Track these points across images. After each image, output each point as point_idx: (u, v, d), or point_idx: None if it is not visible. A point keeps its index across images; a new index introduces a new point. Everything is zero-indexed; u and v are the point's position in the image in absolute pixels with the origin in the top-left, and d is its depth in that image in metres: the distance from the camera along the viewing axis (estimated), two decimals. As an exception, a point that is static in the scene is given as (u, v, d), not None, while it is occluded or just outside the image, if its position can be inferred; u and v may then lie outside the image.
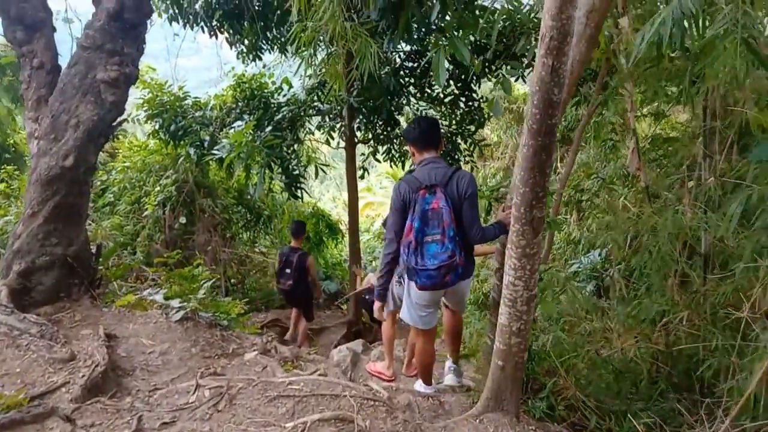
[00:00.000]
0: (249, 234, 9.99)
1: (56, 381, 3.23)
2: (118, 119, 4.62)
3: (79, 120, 4.27)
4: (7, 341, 3.50)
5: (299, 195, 7.72)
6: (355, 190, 8.15)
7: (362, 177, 8.29)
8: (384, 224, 4.05)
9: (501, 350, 2.67)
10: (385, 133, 7.96)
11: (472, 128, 7.68)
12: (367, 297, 6.90)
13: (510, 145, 14.46)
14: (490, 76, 6.87)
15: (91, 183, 4.91)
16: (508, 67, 5.69)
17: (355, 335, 8.69)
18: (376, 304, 3.65)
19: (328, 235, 10.10)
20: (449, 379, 4.24)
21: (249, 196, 9.26)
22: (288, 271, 6.71)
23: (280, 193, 8.94)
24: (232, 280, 8.58)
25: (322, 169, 7.76)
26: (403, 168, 8.22)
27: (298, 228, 7.13)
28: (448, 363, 4.28)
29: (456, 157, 7.76)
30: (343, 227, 10.54)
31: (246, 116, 7.73)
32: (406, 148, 7.98)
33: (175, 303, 4.28)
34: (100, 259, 5.01)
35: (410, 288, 3.31)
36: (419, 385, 3.91)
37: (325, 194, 20.63)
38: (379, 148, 8.17)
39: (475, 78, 7.11)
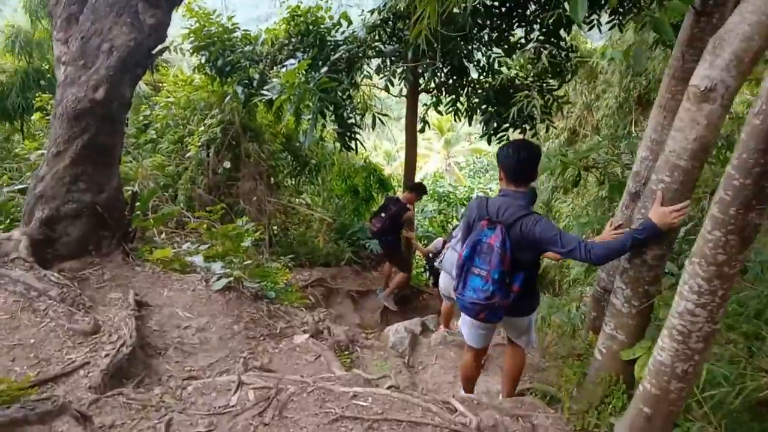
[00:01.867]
0: (294, 182, 9.37)
1: (74, 360, 2.70)
2: (159, 47, 3.93)
3: (112, 45, 3.60)
4: (23, 303, 2.98)
5: (353, 146, 6.99)
6: (415, 145, 7.36)
7: (422, 130, 7.47)
8: None
9: (652, 395, 1.98)
10: (450, 81, 7.07)
11: (554, 83, 6.71)
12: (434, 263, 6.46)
13: (578, 103, 13.27)
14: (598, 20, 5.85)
15: (126, 120, 4.30)
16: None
17: (402, 300, 8.15)
18: None
19: (379, 191, 9.41)
20: None
21: (297, 144, 8.59)
22: (383, 215, 6.64)
23: (333, 142, 8.23)
24: (276, 233, 8.04)
25: (380, 119, 6.96)
26: (469, 123, 7.34)
27: (417, 187, 6.94)
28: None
29: (532, 114, 6.84)
30: (396, 183, 9.85)
31: (299, 54, 6.94)
32: (475, 100, 7.15)
33: (217, 268, 3.69)
34: (136, 206, 4.46)
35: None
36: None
37: (378, 145, 19.90)
38: (442, 98, 7.31)
39: (564, 22, 6.10)
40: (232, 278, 3.50)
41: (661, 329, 2.63)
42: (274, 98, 6.07)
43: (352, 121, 6.79)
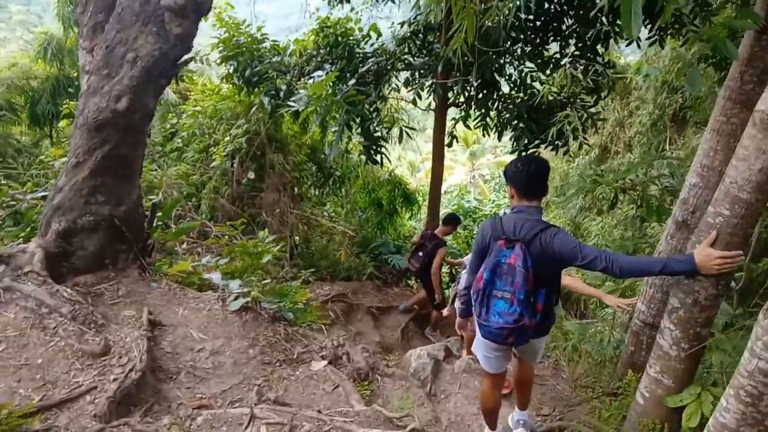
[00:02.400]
0: (317, 193, 9.26)
1: (81, 383, 2.57)
2: (184, 57, 3.84)
3: (137, 54, 3.51)
4: (34, 320, 2.88)
5: (378, 160, 6.85)
6: (442, 160, 7.18)
7: (449, 144, 7.28)
8: None
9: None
10: (481, 95, 6.89)
11: (590, 99, 6.47)
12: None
13: (610, 119, 12.93)
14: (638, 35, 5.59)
15: (149, 131, 4.22)
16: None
17: (423, 318, 7.93)
18: (458, 320, 3.15)
19: (403, 205, 9.24)
20: None
21: (322, 155, 8.49)
22: (420, 254, 6.51)
23: (358, 155, 8.11)
24: (299, 245, 7.91)
25: (407, 133, 6.80)
26: (499, 138, 7.13)
27: (451, 219, 6.72)
28: (516, 415, 3.45)
29: (564, 132, 6.61)
30: (420, 197, 9.65)
31: (327, 66, 6.86)
32: (506, 115, 6.94)
33: (235, 286, 3.55)
34: (157, 216, 4.36)
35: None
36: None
37: (402, 156, 19.78)
38: (471, 113, 7.13)
39: (602, 37, 5.88)
40: (249, 299, 3.35)
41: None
42: (300, 110, 6.00)
43: (379, 134, 6.66)
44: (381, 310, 7.47)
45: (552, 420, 3.67)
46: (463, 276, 4.60)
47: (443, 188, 13.76)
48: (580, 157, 13.36)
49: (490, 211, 11.61)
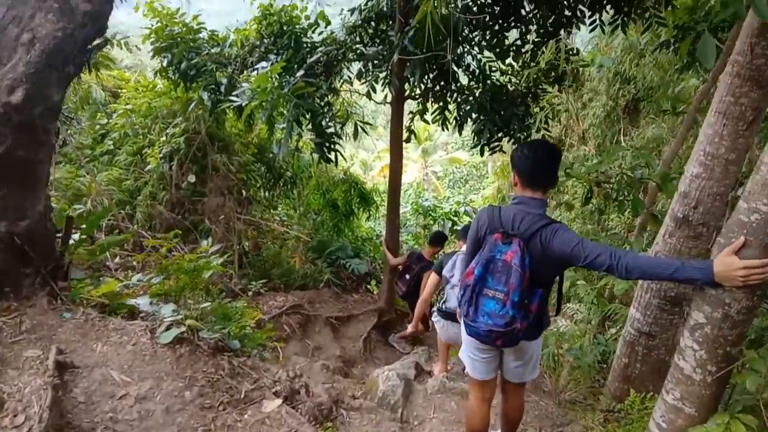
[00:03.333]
0: (267, 195, 8.62)
1: (-44, 459, 1.96)
2: (97, 40, 3.22)
3: (34, 35, 2.88)
4: None
5: (332, 158, 6.33)
6: (400, 156, 6.71)
7: (407, 140, 6.84)
8: None
9: None
10: (438, 87, 6.48)
11: (551, 89, 6.17)
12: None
13: (564, 112, 12.82)
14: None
15: (56, 130, 3.57)
16: None
17: (385, 326, 7.46)
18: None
19: (360, 206, 8.73)
20: None
21: (271, 155, 7.88)
22: (407, 276, 6.34)
23: (310, 153, 7.56)
24: (248, 253, 7.28)
25: (363, 128, 6.30)
26: (459, 132, 6.72)
27: (437, 238, 6.43)
28: None
29: (527, 123, 6.29)
30: (378, 197, 9.17)
31: (272, 56, 6.27)
32: (466, 107, 6.54)
33: (167, 312, 2.97)
34: (81, 229, 3.71)
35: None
36: None
37: (353, 154, 19.29)
38: (429, 106, 6.72)
39: (565, 22, 5.57)
40: (184, 328, 2.78)
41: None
42: (244, 105, 5.44)
43: (332, 130, 6.13)
44: (341, 320, 6.98)
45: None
46: (451, 294, 4.16)
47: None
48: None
49: (450, 208, 11.23)
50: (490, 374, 2.74)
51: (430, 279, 4.41)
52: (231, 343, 3.03)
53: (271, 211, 8.64)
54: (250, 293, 6.18)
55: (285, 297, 6.83)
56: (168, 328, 2.84)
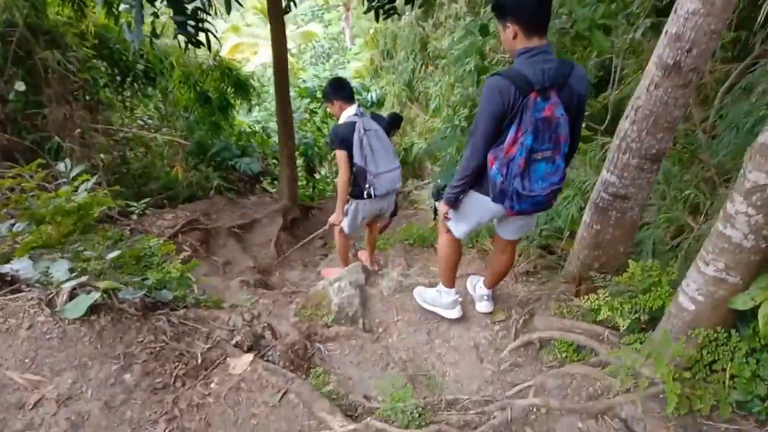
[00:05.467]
0: (119, 97, 7.17)
1: None
2: None
3: None
4: None
5: (202, 39, 5.24)
6: (283, 30, 5.74)
7: (287, 10, 5.84)
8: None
9: None
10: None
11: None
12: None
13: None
14: None
15: None
16: None
17: (293, 224, 6.95)
18: (444, 207, 2.76)
19: (237, 96, 7.60)
20: (484, 306, 3.33)
21: (116, 46, 6.40)
22: None
23: (173, 37, 6.24)
24: (113, 169, 6.08)
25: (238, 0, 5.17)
26: None
27: (394, 119, 5.99)
28: (481, 290, 3.32)
29: None
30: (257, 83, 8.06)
31: None
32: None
33: (60, 273, 2.18)
34: None
35: (477, 202, 2.59)
36: (440, 292, 3.24)
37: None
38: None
39: None
40: (97, 293, 2.05)
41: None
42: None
43: (197, 3, 4.98)
44: (243, 228, 6.33)
45: (517, 326, 3.15)
46: (377, 182, 3.68)
47: (251, 68, 12.01)
48: (407, 14, 12.51)
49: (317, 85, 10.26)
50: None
51: (343, 158, 3.78)
52: (160, 296, 2.36)
53: (129, 114, 7.25)
54: (133, 217, 5.23)
55: (174, 213, 5.93)
56: (72, 296, 2.08)
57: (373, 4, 5.59)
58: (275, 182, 7.81)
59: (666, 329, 2.14)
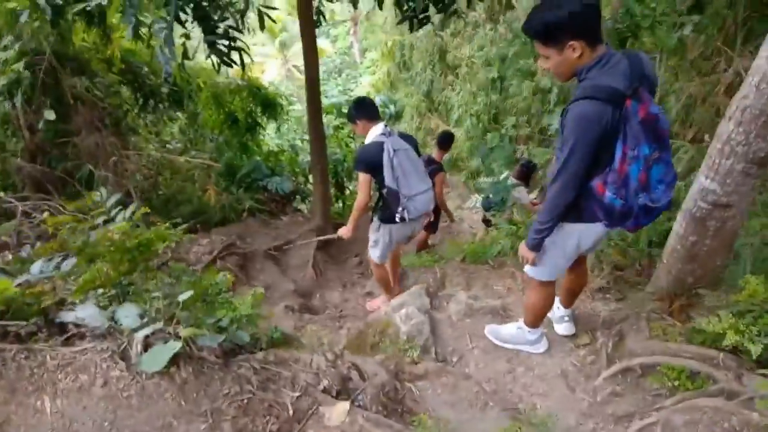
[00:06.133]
0: (145, 121, 7.04)
1: None
2: None
3: None
4: None
5: (233, 60, 5.10)
6: (315, 47, 5.59)
7: (318, 24, 5.70)
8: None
9: None
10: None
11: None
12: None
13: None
14: None
15: None
16: None
17: (328, 243, 6.73)
18: (529, 253, 2.48)
19: (264, 114, 7.45)
20: (565, 329, 3.12)
21: (142, 70, 6.28)
22: None
23: (206, 58, 6.13)
24: (147, 195, 5.92)
25: (268, 15, 5.01)
26: (380, 6, 5.63)
27: (445, 138, 5.89)
28: (563, 311, 3.11)
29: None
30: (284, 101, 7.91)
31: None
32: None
33: (130, 320, 1.97)
34: None
35: (575, 232, 2.36)
36: (522, 330, 3.00)
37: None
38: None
39: None
40: (179, 342, 1.84)
41: None
42: (94, 7, 4.07)
43: (229, 22, 4.85)
44: (279, 249, 6.12)
45: (607, 350, 2.89)
46: (410, 204, 3.48)
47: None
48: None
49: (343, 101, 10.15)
50: None
51: (365, 182, 3.51)
52: (237, 339, 2.14)
53: (156, 138, 7.12)
54: (171, 245, 5.04)
55: (209, 238, 5.75)
56: (147, 346, 1.88)
57: (407, 14, 5.42)
58: (306, 201, 7.63)
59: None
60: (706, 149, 2.70)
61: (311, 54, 5.56)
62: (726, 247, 2.78)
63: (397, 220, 3.51)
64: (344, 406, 1.90)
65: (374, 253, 3.85)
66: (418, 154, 3.82)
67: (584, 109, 1.97)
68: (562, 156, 2.08)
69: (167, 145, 6.82)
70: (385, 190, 3.46)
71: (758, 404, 1.97)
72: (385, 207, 3.57)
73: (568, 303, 3.09)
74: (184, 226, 4.90)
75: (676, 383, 2.42)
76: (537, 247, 2.41)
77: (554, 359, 2.95)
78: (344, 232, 3.85)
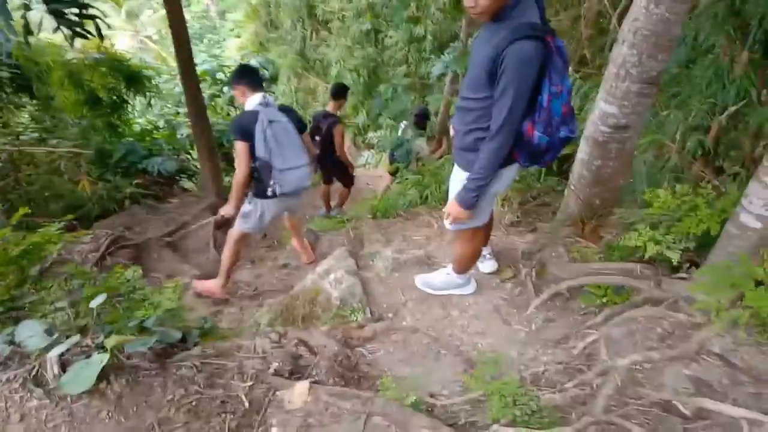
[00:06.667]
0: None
1: None
2: None
3: None
4: None
5: (88, 30, 4.50)
6: (180, 9, 5.06)
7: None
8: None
9: None
10: None
11: None
12: None
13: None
14: None
15: None
16: None
17: (225, 223, 6.36)
18: (464, 212, 2.34)
19: (130, 89, 6.69)
20: (488, 266, 3.22)
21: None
22: (317, 138, 5.53)
23: (54, 31, 5.30)
24: (9, 196, 5.14)
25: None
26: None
27: (337, 89, 5.70)
28: (483, 250, 3.10)
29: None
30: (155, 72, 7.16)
31: None
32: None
33: (34, 339, 1.69)
34: None
35: (500, 178, 2.30)
36: (451, 275, 3.00)
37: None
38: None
39: None
40: (105, 355, 1.59)
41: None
42: None
43: (78, -10, 4.24)
44: (174, 235, 5.69)
45: (532, 279, 3.01)
46: (282, 177, 3.35)
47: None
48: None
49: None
50: None
51: (243, 150, 3.32)
52: (167, 338, 1.91)
53: (5, 130, 6.17)
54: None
55: (92, 234, 5.17)
56: (64, 366, 1.61)
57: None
58: (194, 179, 7.11)
59: (728, 251, 2.08)
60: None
61: (178, 17, 5.04)
62: (627, 167, 2.98)
63: (269, 194, 3.37)
64: (303, 385, 1.79)
65: (242, 224, 3.66)
66: (303, 128, 3.67)
67: (525, 49, 1.87)
68: (502, 102, 1.97)
69: (20, 137, 5.94)
70: (257, 162, 3.30)
71: (690, 308, 2.12)
72: (258, 180, 3.41)
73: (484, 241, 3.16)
74: (62, 224, 4.37)
75: (604, 300, 2.58)
76: (474, 204, 2.29)
77: (485, 297, 3.03)
78: (227, 209, 3.62)
